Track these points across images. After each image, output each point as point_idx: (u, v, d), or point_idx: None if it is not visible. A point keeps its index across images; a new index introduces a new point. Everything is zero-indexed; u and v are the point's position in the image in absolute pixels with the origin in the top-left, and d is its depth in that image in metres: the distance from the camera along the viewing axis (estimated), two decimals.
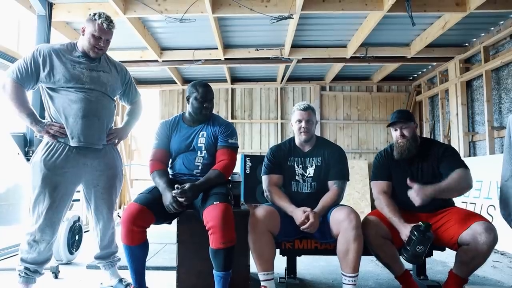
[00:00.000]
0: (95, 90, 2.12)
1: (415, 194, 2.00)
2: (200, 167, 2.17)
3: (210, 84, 2.29)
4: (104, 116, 2.16)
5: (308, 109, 2.28)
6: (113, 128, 2.29)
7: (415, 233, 1.89)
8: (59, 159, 2.04)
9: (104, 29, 2.08)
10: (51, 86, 2.07)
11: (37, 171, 2.02)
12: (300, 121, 2.26)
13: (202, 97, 2.18)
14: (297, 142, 2.35)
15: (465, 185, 2.06)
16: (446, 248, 2.18)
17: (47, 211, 2.01)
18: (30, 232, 2.03)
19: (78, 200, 2.61)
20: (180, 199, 1.94)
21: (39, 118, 2.08)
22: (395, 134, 2.25)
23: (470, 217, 2.02)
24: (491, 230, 1.90)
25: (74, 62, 2.10)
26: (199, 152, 2.19)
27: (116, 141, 2.29)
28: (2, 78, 2.03)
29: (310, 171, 2.27)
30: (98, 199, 2.20)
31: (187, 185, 1.96)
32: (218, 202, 1.90)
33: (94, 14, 2.08)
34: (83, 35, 2.11)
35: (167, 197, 1.97)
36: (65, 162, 2.05)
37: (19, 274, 2.05)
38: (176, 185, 1.97)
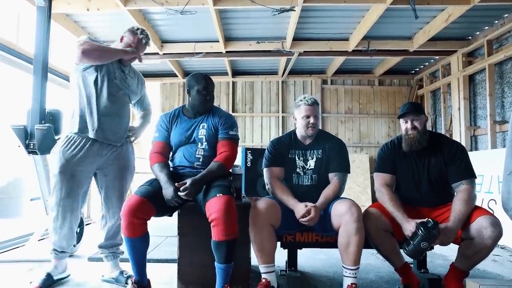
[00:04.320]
0: (121, 89, 2.29)
1: (446, 238, 1.94)
2: (201, 160, 2.16)
3: (211, 77, 2.28)
4: (124, 115, 2.34)
5: (315, 103, 2.26)
6: (132, 126, 2.46)
7: (422, 229, 1.89)
8: (76, 149, 2.18)
9: (145, 45, 2.35)
10: (88, 76, 2.19)
11: (55, 161, 2.18)
12: (308, 116, 2.23)
13: (205, 89, 2.19)
14: (298, 135, 2.33)
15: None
16: None
17: (65, 199, 2.17)
18: (52, 218, 2.21)
19: None
20: (184, 197, 1.93)
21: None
22: (405, 126, 2.19)
23: (474, 211, 2.01)
24: (496, 224, 1.90)
25: None
26: (199, 144, 2.18)
27: (133, 138, 2.45)
28: (75, 47, 2.12)
29: (311, 163, 2.26)
30: (109, 187, 2.32)
31: (188, 182, 1.95)
32: (221, 194, 1.90)
33: (137, 29, 2.32)
34: (121, 42, 2.32)
35: (169, 192, 1.96)
36: (83, 152, 2.18)
37: (51, 253, 2.29)
38: (176, 184, 1.96)
